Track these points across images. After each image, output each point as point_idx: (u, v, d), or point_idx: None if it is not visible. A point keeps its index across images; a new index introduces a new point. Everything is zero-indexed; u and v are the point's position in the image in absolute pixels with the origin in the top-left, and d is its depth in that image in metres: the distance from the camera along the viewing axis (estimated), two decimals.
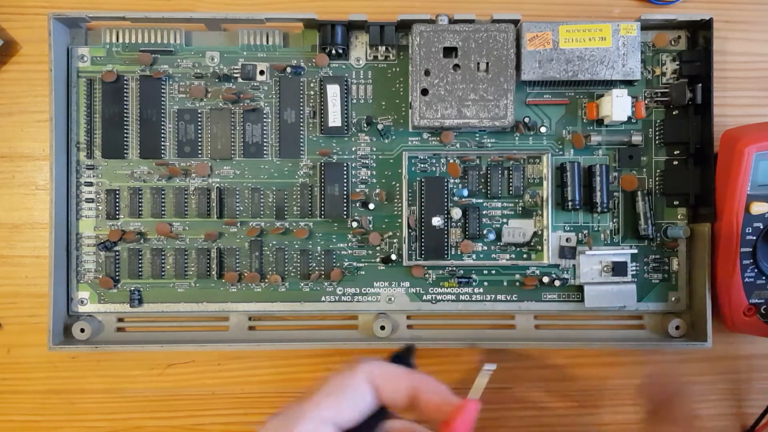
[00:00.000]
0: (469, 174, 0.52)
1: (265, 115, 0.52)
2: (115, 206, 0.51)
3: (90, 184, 0.51)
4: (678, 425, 0.51)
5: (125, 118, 0.51)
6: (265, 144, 0.52)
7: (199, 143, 0.51)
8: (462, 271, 0.52)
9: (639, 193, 0.51)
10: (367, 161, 0.52)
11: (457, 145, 0.52)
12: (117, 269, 0.51)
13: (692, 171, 0.50)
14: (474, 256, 0.52)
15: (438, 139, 0.52)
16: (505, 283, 0.52)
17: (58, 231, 0.49)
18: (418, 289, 0.52)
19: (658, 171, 0.52)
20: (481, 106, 0.49)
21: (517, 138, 0.52)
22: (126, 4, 0.53)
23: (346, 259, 0.52)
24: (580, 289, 0.52)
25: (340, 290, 0.52)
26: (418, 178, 0.51)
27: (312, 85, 0.52)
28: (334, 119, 0.51)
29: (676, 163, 0.51)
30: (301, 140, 0.52)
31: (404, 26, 0.50)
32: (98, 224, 0.51)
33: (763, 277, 0.49)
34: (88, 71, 0.51)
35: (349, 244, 0.52)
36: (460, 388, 0.56)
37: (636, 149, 0.51)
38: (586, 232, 0.52)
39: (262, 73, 0.51)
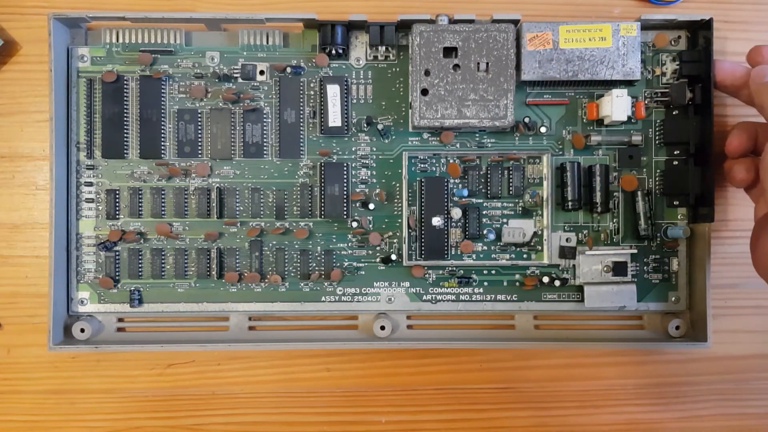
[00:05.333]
0: (469, 174, 0.52)
1: (265, 115, 0.52)
2: (115, 206, 0.51)
3: (90, 184, 0.51)
4: None
5: (125, 118, 0.51)
6: (265, 144, 0.52)
7: (199, 143, 0.51)
8: (462, 271, 0.52)
9: (639, 193, 0.51)
10: (367, 161, 0.52)
11: (457, 145, 0.52)
12: (117, 269, 0.51)
13: (692, 171, 0.50)
14: (474, 256, 0.52)
15: (438, 139, 0.52)
16: (505, 283, 0.52)
17: (58, 231, 0.49)
18: (418, 289, 0.52)
19: (658, 171, 0.52)
20: (481, 106, 0.49)
21: (517, 138, 0.52)
22: (126, 4, 0.53)
23: (346, 259, 0.52)
24: (580, 289, 0.52)
25: (340, 290, 0.52)
26: (418, 178, 0.51)
27: (312, 85, 0.52)
28: (334, 119, 0.51)
29: (676, 163, 0.51)
30: (301, 140, 0.52)
31: (404, 26, 0.50)
32: (98, 224, 0.51)
33: None
34: (88, 71, 0.51)
35: (349, 244, 0.52)
36: (458, 388, 0.56)
37: (636, 149, 0.51)
38: (586, 232, 0.52)
39: (262, 73, 0.51)
